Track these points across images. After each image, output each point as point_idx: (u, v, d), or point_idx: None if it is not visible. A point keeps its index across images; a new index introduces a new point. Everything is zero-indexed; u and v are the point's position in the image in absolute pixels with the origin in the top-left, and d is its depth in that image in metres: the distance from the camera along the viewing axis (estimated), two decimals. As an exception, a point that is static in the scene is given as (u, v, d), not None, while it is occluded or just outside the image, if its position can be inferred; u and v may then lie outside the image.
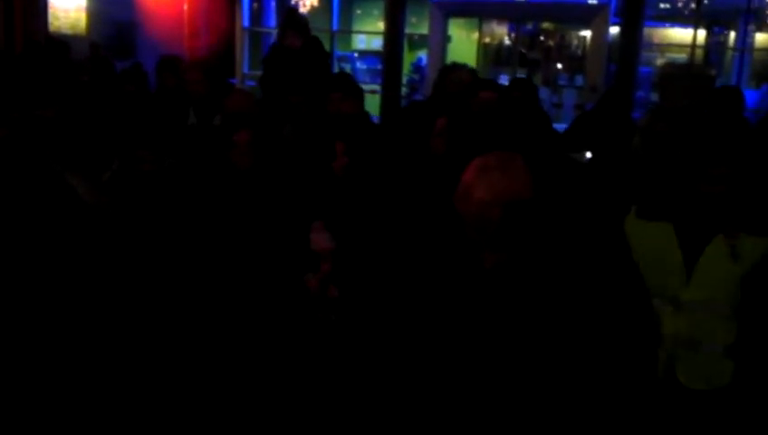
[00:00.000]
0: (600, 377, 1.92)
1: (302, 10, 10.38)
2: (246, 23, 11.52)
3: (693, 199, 2.71)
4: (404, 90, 11.39)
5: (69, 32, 9.40)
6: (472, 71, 5.45)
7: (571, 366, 1.90)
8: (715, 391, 2.69)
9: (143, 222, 3.65)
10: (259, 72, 6.49)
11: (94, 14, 9.54)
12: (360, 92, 4.43)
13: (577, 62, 11.63)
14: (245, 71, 11.42)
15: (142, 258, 3.59)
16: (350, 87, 4.41)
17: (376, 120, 5.45)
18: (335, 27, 11.81)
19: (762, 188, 3.17)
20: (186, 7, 11.21)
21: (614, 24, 10.03)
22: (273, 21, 11.71)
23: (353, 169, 3.76)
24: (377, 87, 10.90)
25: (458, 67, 5.37)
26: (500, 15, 11.59)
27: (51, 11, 8.93)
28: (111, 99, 5.51)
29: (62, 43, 7.02)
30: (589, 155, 5.16)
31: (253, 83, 10.45)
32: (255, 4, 11.76)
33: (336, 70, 10.43)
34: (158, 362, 3.42)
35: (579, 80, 11.19)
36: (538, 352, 1.91)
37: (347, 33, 12.91)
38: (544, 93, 10.42)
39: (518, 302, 1.95)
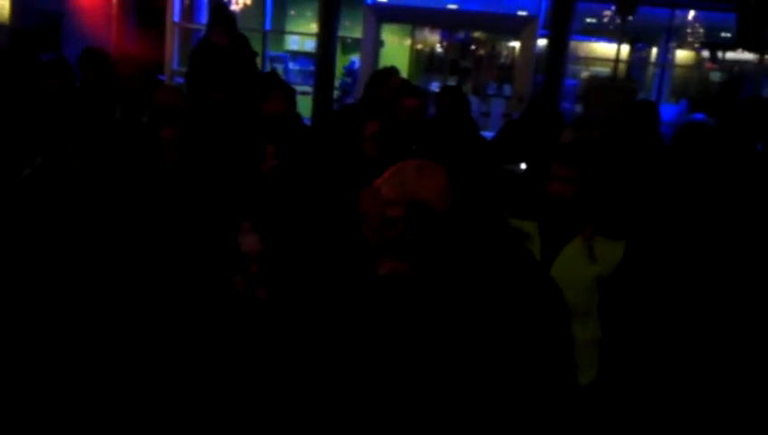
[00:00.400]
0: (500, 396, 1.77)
1: (235, 8, 10.28)
2: (177, 18, 11.34)
3: (548, 200, 2.85)
4: (337, 93, 11.40)
5: (-10, 20, 9.07)
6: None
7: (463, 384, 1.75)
8: (585, 387, 2.81)
9: (65, 218, 3.57)
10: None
11: (19, 2, 9.22)
12: (292, 93, 4.44)
13: (506, 72, 11.86)
14: (175, 67, 11.24)
15: (58, 253, 3.51)
16: (281, 87, 4.41)
17: (307, 122, 5.45)
18: (268, 27, 11.74)
19: (620, 195, 3.34)
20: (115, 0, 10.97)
21: (542, 36, 10.27)
22: (204, 17, 11.55)
23: (283, 172, 3.76)
24: (309, 89, 10.88)
25: (392, 72, 5.42)
26: (432, 22, 11.73)
27: (-29, -3, 8.61)
28: (33, 92, 5.35)
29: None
30: (524, 166, 5.27)
31: (182, 80, 10.31)
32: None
33: (268, 70, 10.37)
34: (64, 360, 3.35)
35: (507, 90, 11.42)
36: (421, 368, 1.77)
37: (280, 33, 12.85)
38: (474, 102, 10.60)
39: (406, 315, 1.79)
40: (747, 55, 10.48)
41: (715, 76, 12.33)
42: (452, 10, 11.09)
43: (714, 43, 11.78)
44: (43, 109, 4.87)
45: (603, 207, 2.88)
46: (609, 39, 11.33)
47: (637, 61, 12.00)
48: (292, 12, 13.40)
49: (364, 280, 1.91)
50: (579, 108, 10.46)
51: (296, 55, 12.92)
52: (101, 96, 5.06)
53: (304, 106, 9.22)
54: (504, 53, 12.31)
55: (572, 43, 10.48)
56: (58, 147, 3.76)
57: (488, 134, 6.60)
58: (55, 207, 3.60)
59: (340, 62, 11.83)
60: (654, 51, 12.31)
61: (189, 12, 11.72)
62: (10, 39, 8.78)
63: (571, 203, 2.81)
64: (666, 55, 11.87)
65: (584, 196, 2.82)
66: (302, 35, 12.85)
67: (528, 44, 10.23)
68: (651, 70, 12.22)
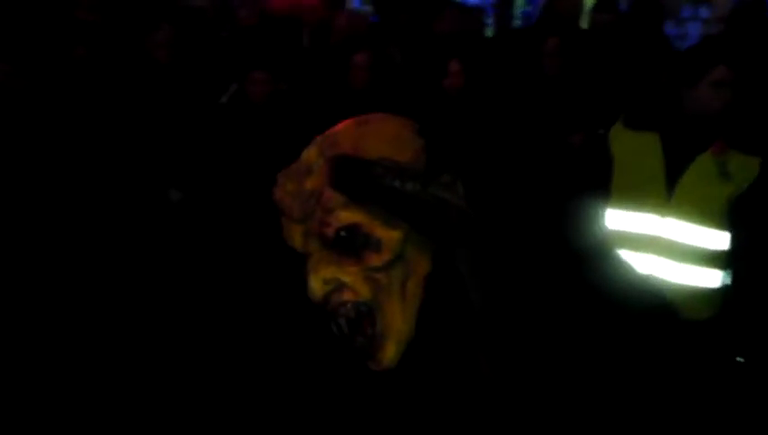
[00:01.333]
0: None
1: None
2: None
3: (686, 109, 2.49)
4: (517, 23, 11.11)
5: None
6: None
7: None
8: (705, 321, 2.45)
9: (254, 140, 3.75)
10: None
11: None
12: (468, 12, 4.40)
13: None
14: (356, 5, 11.37)
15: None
16: (454, 6, 4.39)
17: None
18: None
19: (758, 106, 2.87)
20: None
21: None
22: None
23: (468, 89, 3.73)
24: (489, 21, 10.67)
25: None
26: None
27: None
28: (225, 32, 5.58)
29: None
30: None
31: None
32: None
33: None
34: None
35: (703, 12, 10.61)
36: None
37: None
38: (667, 26, 9.95)
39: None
40: None
41: None
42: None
43: None
44: (235, 43, 5.09)
45: (738, 117, 2.51)
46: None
47: None
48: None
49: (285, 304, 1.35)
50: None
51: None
52: (287, 27, 5.18)
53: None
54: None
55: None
56: (247, 74, 3.97)
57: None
58: (246, 129, 3.80)
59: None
60: None
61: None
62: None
63: (722, 112, 2.46)
64: None
65: (734, 104, 2.46)
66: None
67: (728, -41, 9.41)
68: None
